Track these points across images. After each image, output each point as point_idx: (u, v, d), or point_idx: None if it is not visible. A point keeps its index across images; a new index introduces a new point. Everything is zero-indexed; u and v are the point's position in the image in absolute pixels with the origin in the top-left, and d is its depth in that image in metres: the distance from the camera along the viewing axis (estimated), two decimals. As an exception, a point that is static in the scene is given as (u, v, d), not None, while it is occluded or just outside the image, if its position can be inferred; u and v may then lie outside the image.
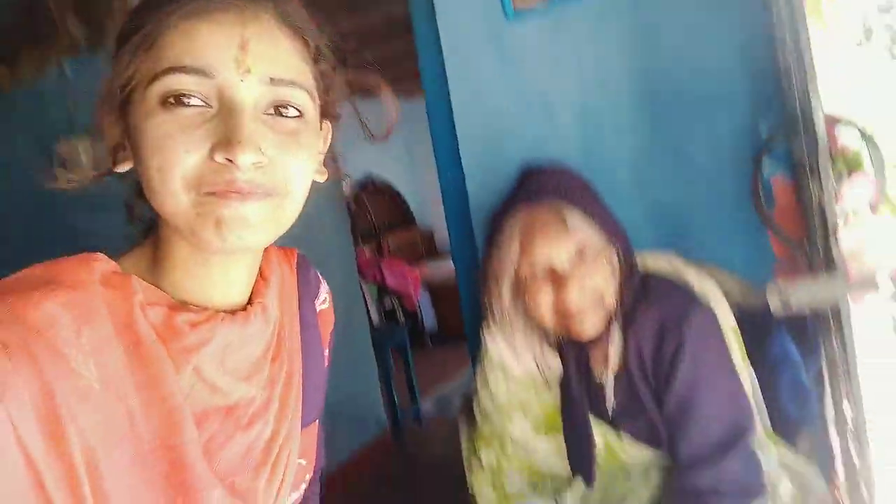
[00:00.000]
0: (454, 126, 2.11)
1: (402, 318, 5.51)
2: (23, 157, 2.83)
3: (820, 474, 1.33)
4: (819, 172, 0.97)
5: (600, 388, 1.35)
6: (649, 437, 1.34)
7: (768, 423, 1.36)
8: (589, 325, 1.24)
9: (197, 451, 0.66)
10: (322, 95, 0.74)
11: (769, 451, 1.34)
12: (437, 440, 3.80)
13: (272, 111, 0.66)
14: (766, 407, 1.38)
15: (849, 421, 1.10)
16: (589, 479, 1.37)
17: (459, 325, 1.92)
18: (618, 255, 1.26)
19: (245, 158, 0.61)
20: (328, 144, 0.82)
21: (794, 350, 1.44)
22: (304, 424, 0.85)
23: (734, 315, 1.37)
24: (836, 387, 1.10)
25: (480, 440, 1.47)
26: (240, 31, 0.63)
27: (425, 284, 6.22)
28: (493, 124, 1.99)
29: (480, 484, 1.45)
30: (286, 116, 0.67)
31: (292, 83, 0.67)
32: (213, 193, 0.63)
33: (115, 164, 0.70)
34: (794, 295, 1.01)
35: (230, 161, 0.61)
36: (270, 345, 0.78)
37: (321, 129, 0.76)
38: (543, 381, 1.40)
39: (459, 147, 2.13)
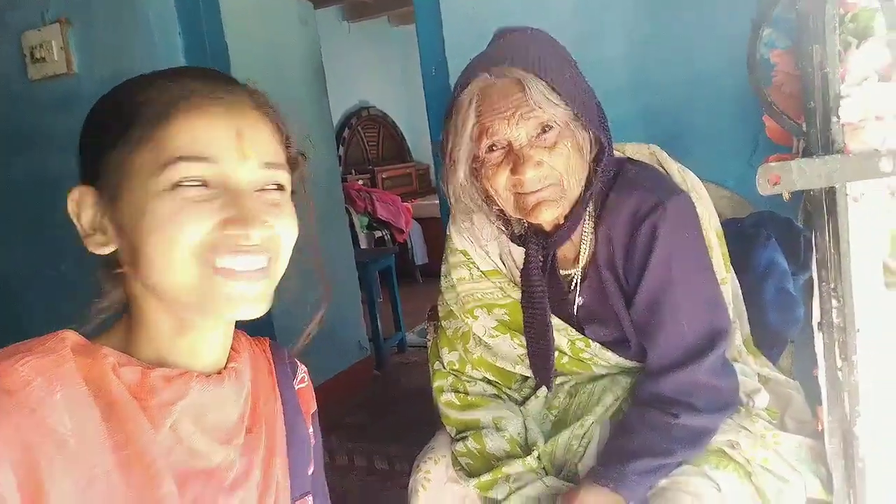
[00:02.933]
0: (441, 23, 2.00)
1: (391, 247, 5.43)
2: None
3: (800, 388, 1.26)
4: (824, 31, 0.85)
5: (566, 286, 1.26)
6: (618, 342, 1.26)
7: (748, 331, 1.28)
8: (547, 210, 1.10)
9: None
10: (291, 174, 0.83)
11: (747, 361, 1.27)
12: (419, 368, 3.77)
13: (259, 188, 0.75)
14: (750, 320, 1.30)
15: (835, 321, 1.01)
16: (547, 385, 1.29)
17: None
18: (589, 136, 1.12)
19: (256, 232, 0.71)
20: None
21: (782, 261, 1.36)
22: (294, 498, 0.89)
23: (722, 227, 1.28)
24: (824, 283, 1.00)
25: (444, 341, 1.39)
26: (234, 123, 0.72)
27: (418, 220, 6.14)
28: (483, 20, 1.87)
29: (442, 389, 1.38)
30: (270, 190, 0.76)
31: (280, 165, 0.77)
32: (219, 272, 0.70)
33: (92, 246, 0.74)
34: (785, 175, 0.90)
35: (244, 235, 0.70)
36: (245, 413, 0.82)
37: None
38: (509, 278, 1.30)
39: (446, 49, 2.02)
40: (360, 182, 6.26)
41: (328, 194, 3.54)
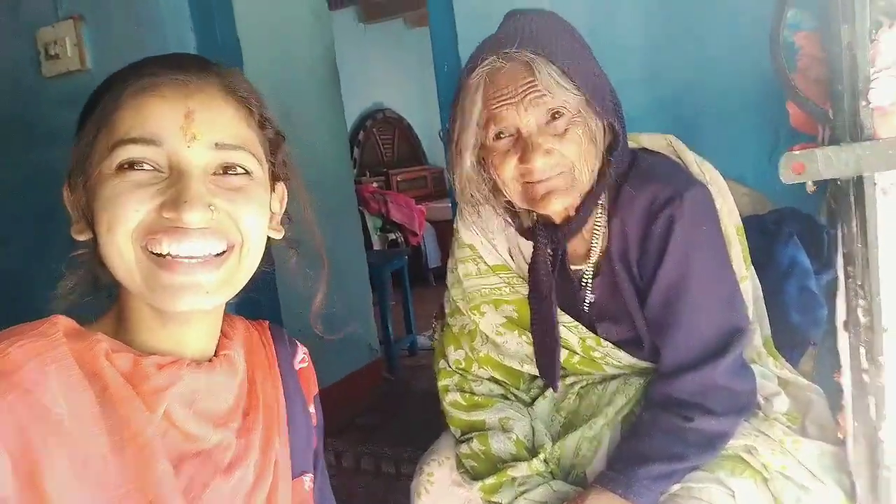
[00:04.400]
0: (454, 18, 1.96)
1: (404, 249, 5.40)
2: (5, 45, 2.69)
3: (822, 393, 1.20)
4: (853, 9, 0.80)
5: (577, 282, 1.21)
6: (630, 341, 1.21)
7: (769, 332, 1.22)
8: (556, 200, 1.06)
9: (171, 484, 0.68)
10: (270, 158, 0.80)
11: (766, 364, 1.21)
12: (430, 372, 3.71)
13: (220, 171, 0.72)
14: (771, 320, 1.25)
15: (861, 321, 0.95)
16: (553, 385, 1.24)
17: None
18: (602, 124, 1.08)
19: (192, 216, 0.67)
20: (284, 205, 0.86)
21: (805, 259, 1.31)
22: (293, 476, 0.88)
23: (743, 223, 1.22)
24: (850, 280, 0.95)
25: (449, 339, 1.35)
26: (184, 102, 0.70)
27: (432, 223, 6.10)
28: (497, 14, 1.83)
29: (448, 388, 1.33)
30: (233, 175, 0.73)
31: (237, 147, 0.73)
32: (160, 262, 0.68)
33: (73, 233, 0.75)
34: (810, 163, 0.85)
35: (178, 218, 0.67)
36: (241, 398, 0.82)
37: (274, 190, 0.83)
38: (517, 273, 1.26)
39: (459, 45, 1.98)
40: (375, 184, 6.23)
41: (341, 195, 3.50)
